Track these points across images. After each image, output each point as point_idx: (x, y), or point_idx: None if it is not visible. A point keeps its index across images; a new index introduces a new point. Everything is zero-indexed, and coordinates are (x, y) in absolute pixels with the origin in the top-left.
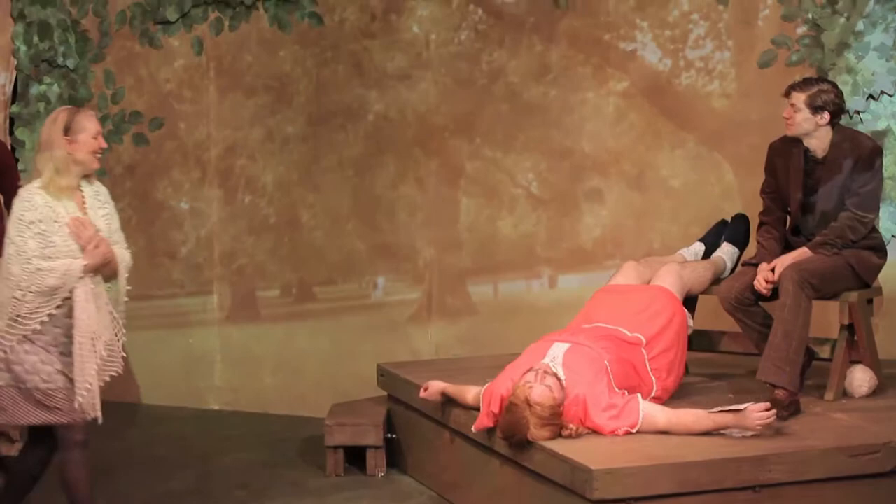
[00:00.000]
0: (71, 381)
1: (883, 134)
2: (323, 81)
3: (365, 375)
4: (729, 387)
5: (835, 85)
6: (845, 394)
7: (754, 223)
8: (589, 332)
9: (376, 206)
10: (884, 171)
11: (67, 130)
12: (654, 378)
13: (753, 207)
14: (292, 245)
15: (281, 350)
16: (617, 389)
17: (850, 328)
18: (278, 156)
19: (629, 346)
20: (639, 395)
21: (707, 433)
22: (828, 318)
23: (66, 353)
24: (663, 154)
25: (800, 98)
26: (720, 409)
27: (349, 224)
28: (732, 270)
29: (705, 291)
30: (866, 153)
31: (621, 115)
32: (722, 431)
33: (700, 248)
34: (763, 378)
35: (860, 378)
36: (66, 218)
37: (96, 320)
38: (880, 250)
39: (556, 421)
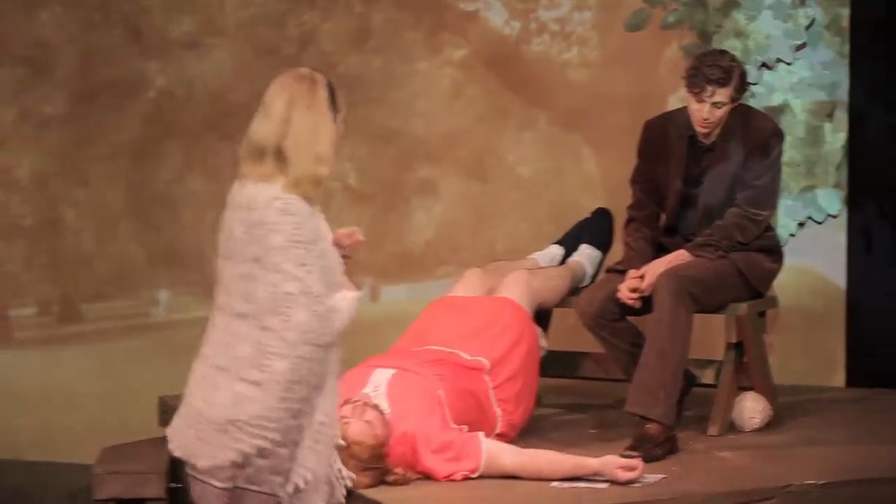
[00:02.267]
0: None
1: (779, 111)
2: (91, 50)
3: (144, 411)
4: (591, 420)
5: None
6: (733, 427)
7: (621, 220)
8: (419, 356)
9: (158, 204)
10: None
11: (333, 104)
12: (499, 411)
13: (620, 201)
14: (52, 252)
15: (39, 382)
16: (454, 425)
17: (738, 347)
18: (35, 142)
19: (469, 373)
20: (480, 434)
21: (566, 479)
22: (712, 335)
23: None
24: (509, 136)
25: (725, 94)
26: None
27: (124, 225)
28: (594, 278)
29: (562, 304)
30: (763, 138)
31: (459, 89)
32: (583, 478)
33: (557, 251)
34: (632, 409)
35: (751, 408)
36: (327, 230)
37: None
38: (775, 253)
39: (378, 464)
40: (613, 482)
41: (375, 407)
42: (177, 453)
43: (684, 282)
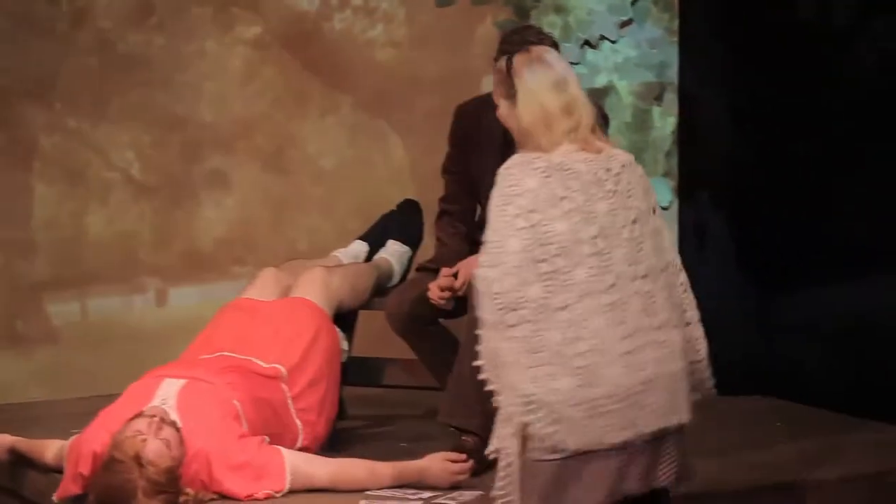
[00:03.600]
0: None
1: (603, 93)
2: None
3: None
4: (401, 433)
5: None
6: None
7: (432, 213)
8: (211, 364)
9: None
10: None
11: None
12: (299, 422)
13: (431, 193)
14: None
15: None
16: (253, 438)
17: None
18: None
19: (266, 382)
20: (282, 449)
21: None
22: None
23: None
24: (309, 124)
25: None
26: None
27: None
28: (404, 277)
29: (367, 306)
30: None
31: (252, 71)
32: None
33: (361, 248)
34: (447, 420)
35: None
36: None
37: None
38: None
39: (172, 487)
40: (436, 487)
41: (172, 423)
42: (658, 424)
43: None
